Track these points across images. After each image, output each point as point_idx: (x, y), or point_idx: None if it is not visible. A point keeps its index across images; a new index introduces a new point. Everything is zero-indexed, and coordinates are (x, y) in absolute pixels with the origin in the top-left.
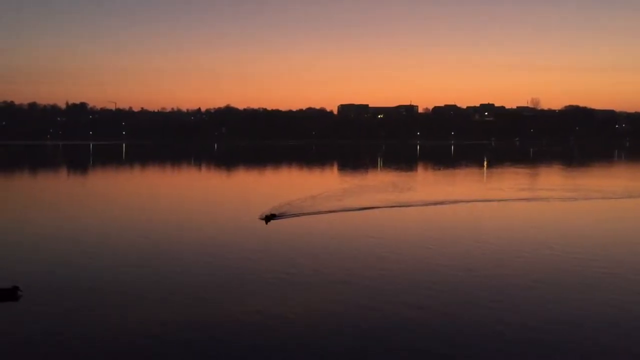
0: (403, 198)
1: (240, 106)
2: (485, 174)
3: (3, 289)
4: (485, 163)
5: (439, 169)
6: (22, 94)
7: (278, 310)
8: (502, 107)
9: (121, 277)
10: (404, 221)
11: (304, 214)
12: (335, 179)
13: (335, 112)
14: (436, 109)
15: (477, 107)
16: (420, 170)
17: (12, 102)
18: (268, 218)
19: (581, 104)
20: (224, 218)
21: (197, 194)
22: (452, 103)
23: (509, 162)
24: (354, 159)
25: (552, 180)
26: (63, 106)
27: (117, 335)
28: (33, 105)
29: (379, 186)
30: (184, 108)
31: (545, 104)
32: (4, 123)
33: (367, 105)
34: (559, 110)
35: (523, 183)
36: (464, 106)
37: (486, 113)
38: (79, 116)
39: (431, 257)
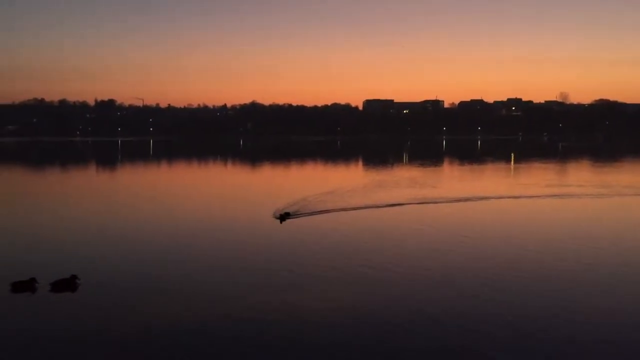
0: (428, 194)
1: (266, 102)
2: (512, 170)
3: (62, 279)
4: (512, 158)
5: (466, 165)
6: (52, 92)
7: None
8: (530, 102)
9: (157, 271)
10: (430, 218)
11: (321, 212)
12: (359, 175)
13: (361, 107)
14: (462, 103)
15: (504, 101)
16: (446, 165)
17: (42, 99)
18: (283, 217)
19: (611, 98)
20: (247, 212)
21: (221, 189)
22: (479, 98)
23: (537, 158)
24: (379, 155)
25: (582, 176)
26: (92, 103)
27: (171, 324)
28: (63, 102)
29: (403, 182)
30: (210, 104)
31: (575, 98)
32: (34, 120)
33: (392, 101)
34: (589, 105)
35: (552, 179)
36: (491, 101)
37: (513, 108)
38: (108, 113)
39: (464, 256)
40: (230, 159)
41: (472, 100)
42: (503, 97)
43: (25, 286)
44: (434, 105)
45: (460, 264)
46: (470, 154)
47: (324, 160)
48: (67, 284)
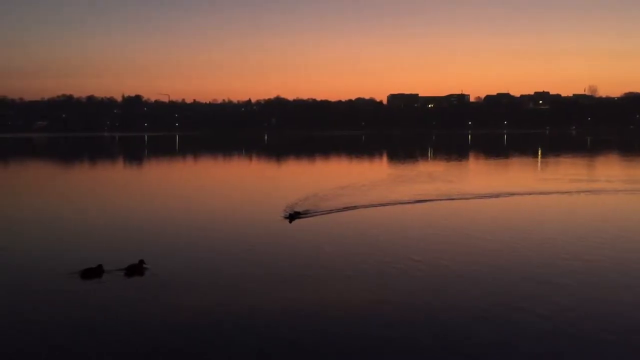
0: (453, 190)
1: (290, 97)
2: (540, 164)
3: (130, 265)
4: (539, 153)
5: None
6: (81, 87)
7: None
8: (558, 95)
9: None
10: (456, 215)
11: (331, 212)
12: (382, 169)
13: (385, 101)
14: (488, 97)
15: (532, 95)
16: (471, 160)
17: (71, 95)
18: (292, 217)
19: None
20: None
21: (242, 183)
22: (505, 91)
23: (565, 152)
24: (403, 149)
25: (612, 171)
26: (119, 99)
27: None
28: (91, 98)
29: (425, 177)
30: (234, 99)
31: (603, 92)
32: (63, 115)
33: (417, 95)
34: (618, 98)
35: (581, 174)
36: (518, 94)
37: (540, 101)
38: (134, 108)
39: (496, 257)
40: (255, 153)
41: (498, 94)
42: (530, 91)
43: (93, 272)
44: (459, 99)
45: (491, 264)
46: (496, 148)
47: (347, 154)
48: (136, 269)
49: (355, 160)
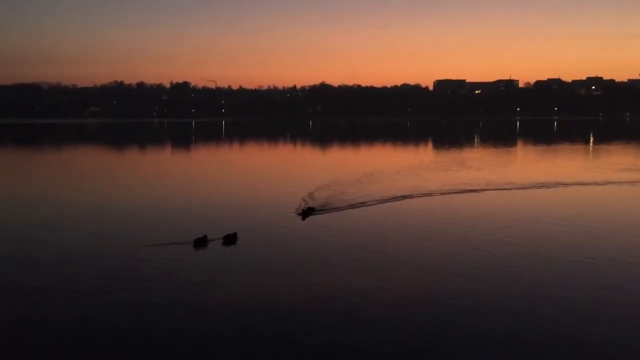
0: (498, 179)
1: (335, 83)
2: (591, 153)
3: (228, 234)
4: (591, 140)
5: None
6: (131, 74)
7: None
8: (612, 80)
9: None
10: (499, 207)
11: (345, 208)
12: (427, 156)
13: (431, 87)
14: (538, 83)
15: (584, 80)
16: (519, 147)
17: (121, 81)
18: (305, 213)
19: None
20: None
21: (280, 166)
22: (556, 77)
23: (618, 139)
24: (449, 136)
25: None
26: (168, 85)
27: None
28: (140, 85)
29: (473, 164)
30: (279, 86)
31: None
32: (114, 102)
33: (464, 81)
34: None
35: (635, 163)
36: (569, 80)
37: (593, 87)
38: (182, 95)
39: (546, 250)
40: (299, 140)
41: (548, 80)
42: (582, 76)
43: (202, 242)
44: (508, 85)
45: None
46: (545, 135)
47: (394, 141)
48: (232, 239)
49: (399, 147)
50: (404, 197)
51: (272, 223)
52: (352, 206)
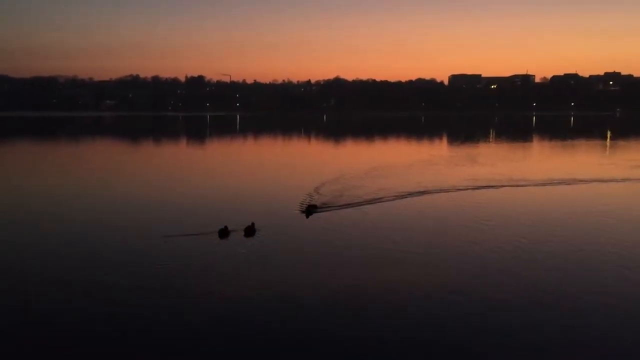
0: (513, 175)
1: (349, 77)
2: (608, 149)
3: (247, 226)
4: (608, 136)
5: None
6: (146, 68)
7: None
8: (630, 76)
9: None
10: (513, 205)
11: (350, 205)
12: (442, 151)
13: (446, 82)
14: (555, 78)
15: (601, 75)
16: (535, 142)
17: (137, 75)
18: (309, 211)
19: None
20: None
21: (291, 160)
22: (573, 72)
23: (637, 135)
24: (464, 131)
25: None
26: (183, 79)
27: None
28: (156, 78)
29: (486, 160)
30: (294, 80)
31: None
32: (130, 95)
33: (479, 75)
34: None
35: None
36: (586, 75)
37: (611, 82)
38: (197, 89)
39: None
40: (313, 134)
41: (565, 75)
42: (600, 71)
43: (225, 232)
44: (524, 80)
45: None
46: (562, 131)
47: (407, 136)
48: (251, 230)
49: (413, 141)
50: (421, 192)
51: (287, 216)
52: (369, 202)
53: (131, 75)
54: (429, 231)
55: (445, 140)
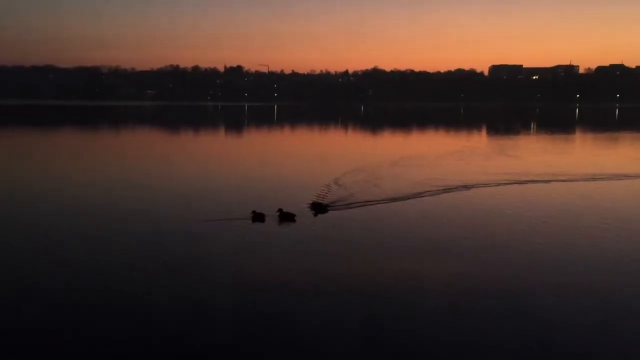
0: (551, 169)
1: (387, 68)
2: None
3: (287, 212)
4: None
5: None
6: (186, 58)
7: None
8: None
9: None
10: (565, 200)
11: (362, 204)
12: (481, 143)
13: (486, 73)
14: (600, 69)
15: None
16: (577, 135)
17: (177, 65)
18: (317, 209)
19: None
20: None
21: (323, 150)
22: (619, 62)
23: None
24: (504, 122)
25: None
26: (222, 69)
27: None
28: (195, 69)
29: (524, 153)
30: (332, 70)
31: None
32: (170, 85)
33: (521, 66)
34: None
35: None
36: (633, 66)
37: None
38: (236, 78)
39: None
40: (350, 124)
41: (610, 65)
42: None
43: (261, 217)
44: (567, 70)
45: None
46: (606, 123)
47: (447, 127)
48: (290, 216)
49: (450, 133)
50: (464, 187)
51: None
52: (394, 199)
53: (171, 66)
54: (479, 224)
55: (484, 132)
